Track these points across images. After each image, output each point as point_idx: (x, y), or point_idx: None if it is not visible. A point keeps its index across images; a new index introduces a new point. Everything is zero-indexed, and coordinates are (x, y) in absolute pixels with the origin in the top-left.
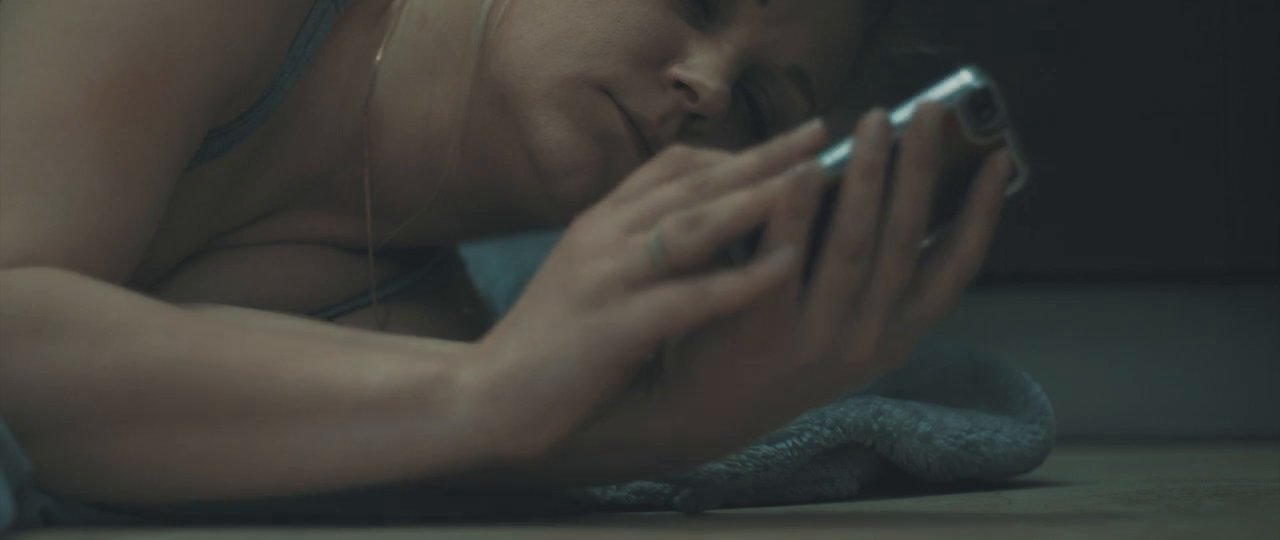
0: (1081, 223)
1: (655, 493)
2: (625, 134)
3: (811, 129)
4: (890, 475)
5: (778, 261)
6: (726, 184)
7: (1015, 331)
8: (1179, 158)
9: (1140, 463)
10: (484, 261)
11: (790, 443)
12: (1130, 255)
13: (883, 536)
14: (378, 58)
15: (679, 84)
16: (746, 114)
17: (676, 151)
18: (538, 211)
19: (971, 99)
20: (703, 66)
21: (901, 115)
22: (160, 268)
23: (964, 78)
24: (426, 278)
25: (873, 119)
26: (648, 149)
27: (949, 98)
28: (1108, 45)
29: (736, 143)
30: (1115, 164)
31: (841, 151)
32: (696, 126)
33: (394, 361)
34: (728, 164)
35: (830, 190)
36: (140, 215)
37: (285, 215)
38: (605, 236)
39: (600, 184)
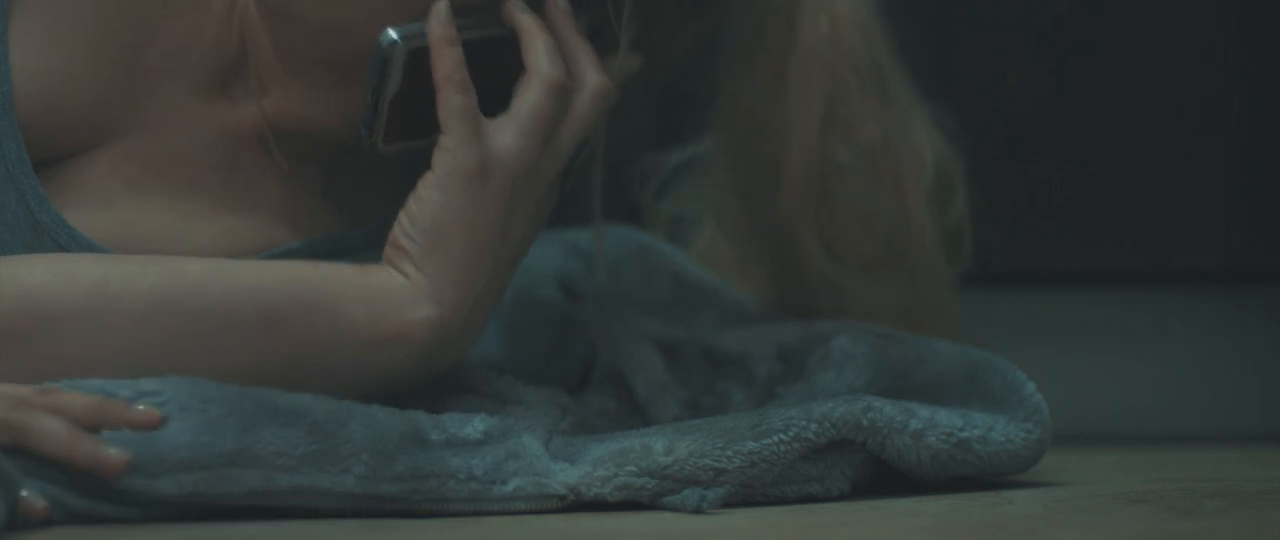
0: (1081, 223)
1: (645, 492)
2: None
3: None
4: (884, 475)
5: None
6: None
7: (1015, 331)
8: (1179, 157)
9: (1140, 463)
10: None
11: (776, 438)
12: (1130, 255)
13: (883, 535)
14: None
15: None
16: None
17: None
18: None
19: None
20: None
21: None
22: (73, 115)
23: None
24: (374, 234)
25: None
26: None
27: None
28: (1107, 44)
29: None
30: (1114, 163)
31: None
32: None
33: None
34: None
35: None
36: None
37: (209, 108)
38: None
39: None
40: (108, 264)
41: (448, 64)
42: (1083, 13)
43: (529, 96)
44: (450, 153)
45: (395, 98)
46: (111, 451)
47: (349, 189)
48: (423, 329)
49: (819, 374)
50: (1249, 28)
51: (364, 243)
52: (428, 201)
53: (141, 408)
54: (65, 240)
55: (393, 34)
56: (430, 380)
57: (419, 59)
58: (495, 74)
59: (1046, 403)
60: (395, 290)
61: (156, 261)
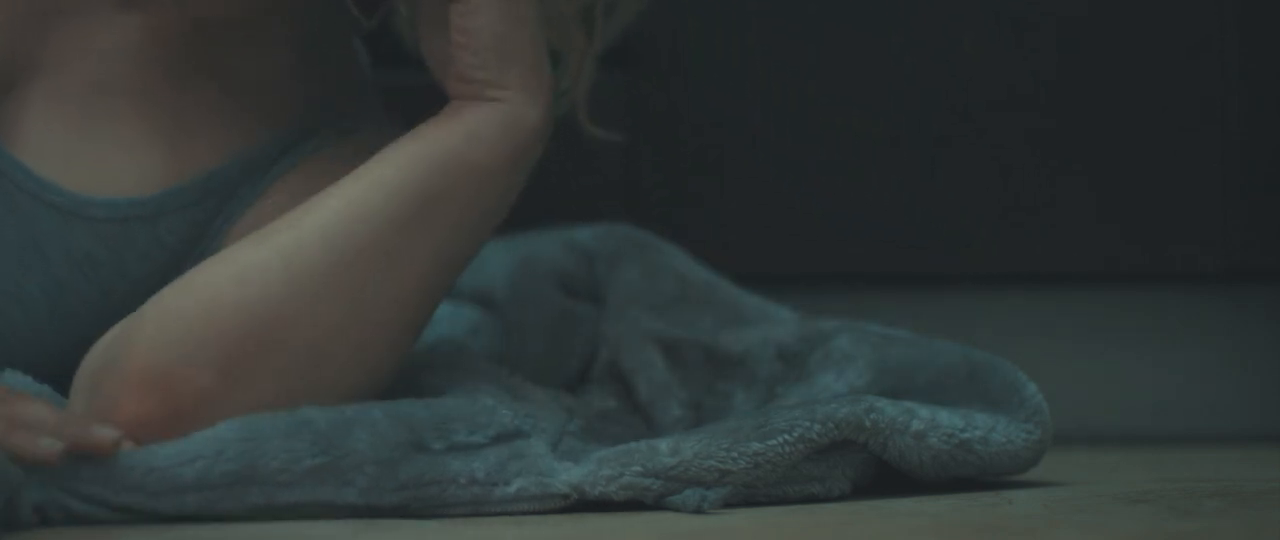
0: (1081, 223)
1: (650, 492)
2: None
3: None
4: (885, 475)
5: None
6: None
7: (1015, 331)
8: (1178, 157)
9: (1140, 463)
10: (484, 262)
11: (781, 439)
12: (1129, 255)
13: (883, 535)
14: None
15: None
16: None
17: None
18: None
19: None
20: None
21: None
22: None
23: None
24: (331, 132)
25: None
26: None
27: None
28: (1106, 43)
29: None
30: (1114, 163)
31: None
32: None
33: None
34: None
35: None
36: None
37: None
38: None
39: None
40: (267, 244)
41: None
42: (1080, 12)
43: None
44: None
45: None
46: (102, 431)
47: (323, 62)
48: (535, 135)
49: (820, 375)
50: (1248, 24)
51: (351, 125)
52: (475, 29)
53: (96, 430)
54: (27, 183)
55: None
56: None
57: None
58: None
59: (1047, 403)
60: (498, 116)
61: (303, 216)
